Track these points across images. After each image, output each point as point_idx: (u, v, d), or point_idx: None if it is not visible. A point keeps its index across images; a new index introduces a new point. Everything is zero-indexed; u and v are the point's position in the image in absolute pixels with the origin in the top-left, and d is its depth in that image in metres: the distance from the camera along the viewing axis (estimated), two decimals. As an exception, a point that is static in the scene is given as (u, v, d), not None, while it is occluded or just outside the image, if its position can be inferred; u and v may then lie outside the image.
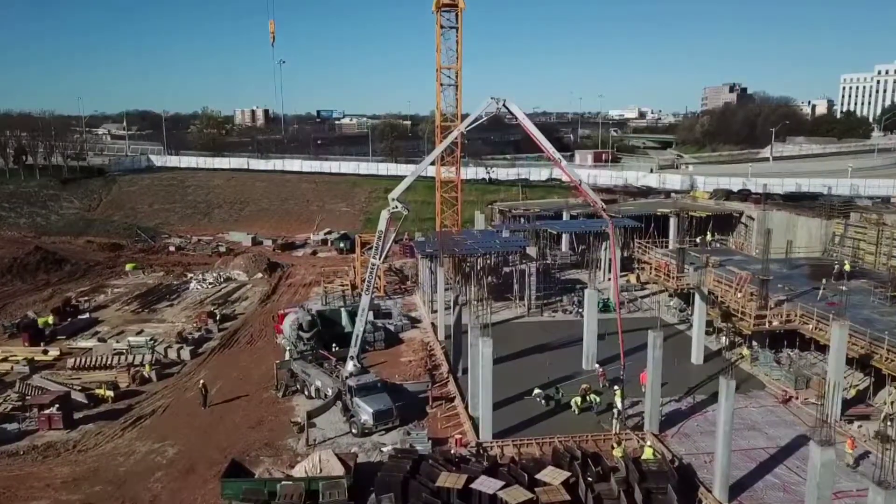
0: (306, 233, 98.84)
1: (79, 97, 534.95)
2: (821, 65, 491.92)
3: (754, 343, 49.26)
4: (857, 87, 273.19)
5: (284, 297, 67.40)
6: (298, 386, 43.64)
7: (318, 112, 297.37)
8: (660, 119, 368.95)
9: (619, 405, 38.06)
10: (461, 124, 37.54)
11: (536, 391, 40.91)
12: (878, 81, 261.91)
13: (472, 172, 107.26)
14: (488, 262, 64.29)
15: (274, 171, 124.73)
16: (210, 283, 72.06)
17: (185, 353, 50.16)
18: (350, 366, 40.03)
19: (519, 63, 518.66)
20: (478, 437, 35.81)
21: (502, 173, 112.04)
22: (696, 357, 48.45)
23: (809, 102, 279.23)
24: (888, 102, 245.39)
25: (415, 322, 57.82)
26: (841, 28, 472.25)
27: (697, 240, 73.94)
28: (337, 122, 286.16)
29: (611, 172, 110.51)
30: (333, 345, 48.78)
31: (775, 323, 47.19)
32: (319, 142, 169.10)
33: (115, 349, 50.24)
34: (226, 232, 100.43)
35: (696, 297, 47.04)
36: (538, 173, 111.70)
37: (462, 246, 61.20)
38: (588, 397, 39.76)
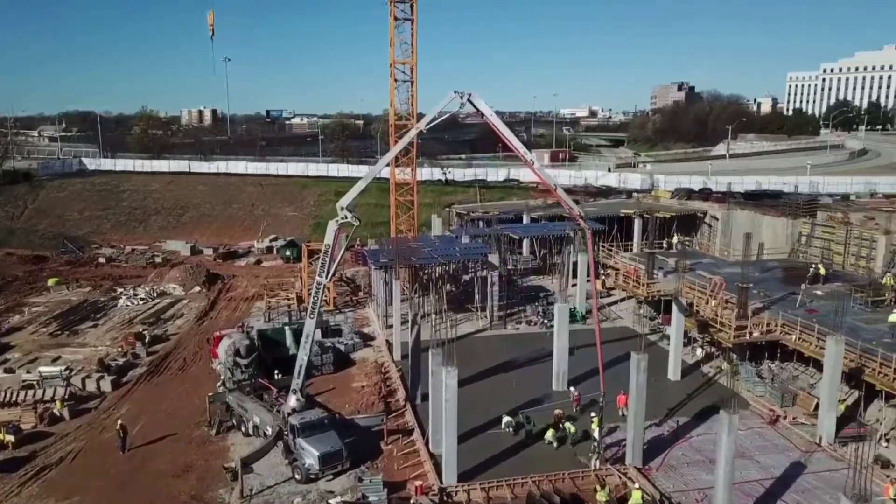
0: (250, 240, 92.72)
1: (11, 97, 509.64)
2: (768, 63, 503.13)
3: (733, 356, 45.95)
4: (803, 86, 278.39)
5: (224, 314, 61.66)
6: (235, 422, 38.43)
7: (268, 112, 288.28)
8: (610, 118, 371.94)
9: (596, 436, 34.01)
10: (420, 123, 33.00)
11: (505, 420, 36.53)
12: (824, 80, 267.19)
13: (427, 173, 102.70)
14: (447, 270, 59.86)
15: (217, 173, 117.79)
16: (142, 299, 65.75)
17: (106, 384, 44.24)
18: (293, 400, 34.98)
19: (471, 62, 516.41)
20: (440, 482, 31.25)
21: (458, 174, 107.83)
22: (674, 373, 44.90)
23: (755, 100, 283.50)
24: (833, 100, 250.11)
25: (368, 339, 52.95)
26: (787, 27, 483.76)
27: (664, 242, 70.83)
28: (287, 121, 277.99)
29: (570, 172, 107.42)
30: (276, 371, 43.59)
31: (756, 334, 43.98)
32: (264, 143, 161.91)
33: (24, 381, 44.00)
34: (163, 241, 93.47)
35: (674, 307, 43.46)
36: (495, 174, 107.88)
37: (419, 254, 56.59)
38: (562, 426, 35.58)
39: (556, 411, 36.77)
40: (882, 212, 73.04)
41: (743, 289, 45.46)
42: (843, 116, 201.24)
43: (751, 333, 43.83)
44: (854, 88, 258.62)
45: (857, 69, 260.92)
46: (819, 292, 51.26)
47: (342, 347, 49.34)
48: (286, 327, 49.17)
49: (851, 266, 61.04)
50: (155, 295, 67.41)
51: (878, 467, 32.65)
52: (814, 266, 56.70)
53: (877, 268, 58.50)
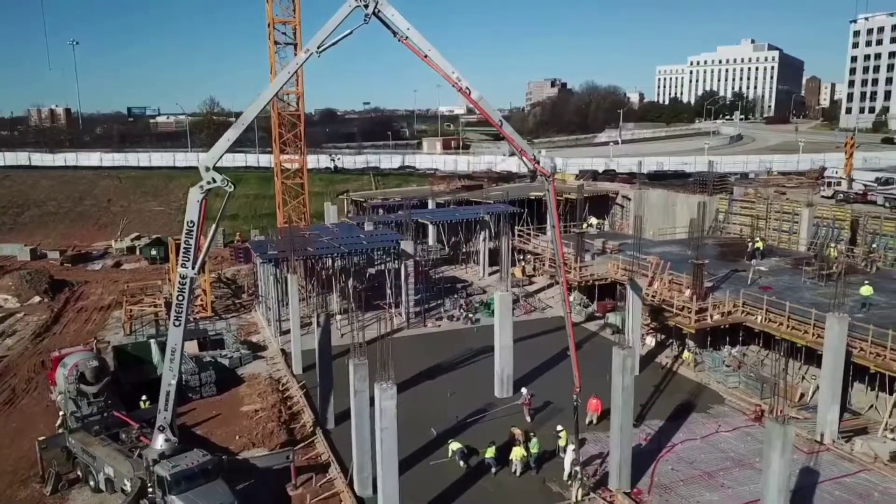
0: (107, 240, 78.82)
1: None
2: (639, 58, 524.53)
3: (690, 343, 40.41)
4: (672, 78, 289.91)
5: (71, 328, 49.41)
6: (79, 473, 27.96)
7: (129, 110, 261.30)
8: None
9: (568, 454, 26.71)
10: (311, 42, 23.77)
11: (453, 447, 28.34)
12: (691, 72, 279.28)
13: (313, 160, 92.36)
14: (350, 263, 50.83)
15: (65, 166, 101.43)
16: (-41, 316, 51.87)
17: None
18: (160, 441, 25.10)
19: (347, 62, 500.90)
20: (378, 540, 22.75)
21: (349, 161, 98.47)
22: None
23: (625, 95, 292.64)
24: (700, 91, 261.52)
25: (258, 350, 43.06)
26: (655, 24, 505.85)
27: (584, 224, 65.37)
28: (152, 120, 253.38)
29: (468, 158, 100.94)
30: (143, 398, 33.14)
31: (717, 317, 38.56)
32: (124, 141, 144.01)
33: None
34: (-4, 244, 77.58)
35: (629, 291, 37.08)
36: (389, 161, 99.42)
37: (318, 244, 47.29)
38: (530, 444, 27.86)
39: (514, 429, 29.08)
40: (786, 187, 72.27)
41: (698, 266, 40.04)
42: (714, 105, 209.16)
43: (711, 317, 38.40)
44: (718, 80, 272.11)
45: (719, 62, 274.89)
46: (763, 268, 47.14)
47: (226, 362, 39.26)
48: (152, 341, 38.51)
49: (773, 240, 58.22)
50: (-22, 309, 53.66)
51: (899, 466, 27.53)
52: (751, 241, 53.01)
53: (801, 240, 55.92)
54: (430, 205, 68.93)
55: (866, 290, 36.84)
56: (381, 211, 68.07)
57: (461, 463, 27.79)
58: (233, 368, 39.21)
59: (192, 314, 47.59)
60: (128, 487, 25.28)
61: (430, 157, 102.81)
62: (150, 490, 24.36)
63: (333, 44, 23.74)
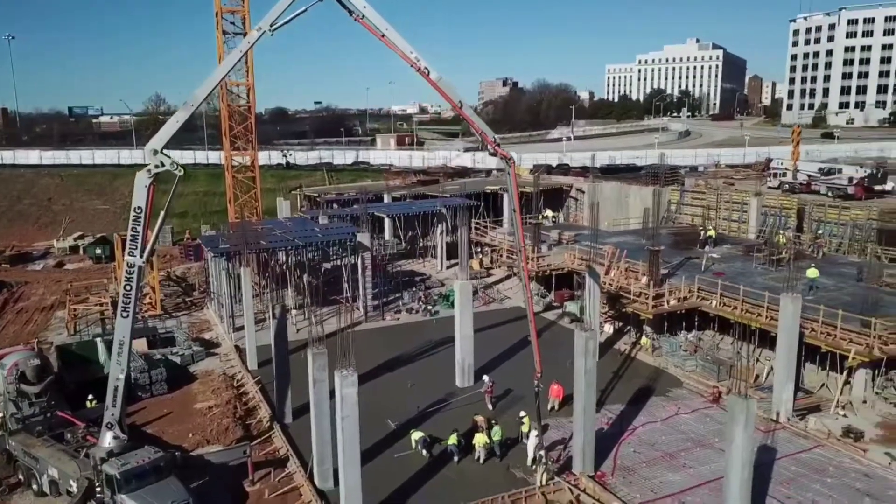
0: (48, 240, 75.70)
1: None
2: (589, 56, 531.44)
3: (647, 329, 40.80)
4: (622, 77, 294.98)
5: (10, 330, 47.11)
6: (22, 476, 26.54)
7: (70, 109, 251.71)
8: (440, 114, 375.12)
9: (531, 440, 26.52)
10: (264, 19, 22.82)
11: (415, 437, 27.85)
12: (640, 70, 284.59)
13: (265, 157, 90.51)
14: (304, 258, 49.80)
15: (2, 164, 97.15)
16: None
17: None
18: (108, 439, 23.94)
19: (298, 61, 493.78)
20: (341, 532, 22.12)
21: (301, 157, 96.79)
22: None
23: (576, 93, 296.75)
24: (649, 89, 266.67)
25: (211, 347, 41.76)
26: (605, 22, 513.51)
27: (540, 216, 65.61)
28: (94, 120, 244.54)
29: (423, 153, 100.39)
30: (90, 398, 31.68)
31: (673, 302, 39.02)
32: (66, 141, 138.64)
33: None
34: (-76, 247, 73.72)
35: (588, 278, 37.13)
36: (342, 157, 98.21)
37: (271, 238, 46.17)
38: (493, 431, 27.57)
39: (477, 417, 28.75)
40: (734, 179, 74.07)
41: (654, 252, 40.46)
42: (663, 102, 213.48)
43: (668, 302, 38.84)
44: (666, 78, 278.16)
45: (666, 60, 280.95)
46: (715, 255, 47.97)
47: (177, 359, 37.94)
48: (98, 339, 36.92)
49: (723, 229, 59.52)
50: None
51: (853, 440, 28.19)
52: (703, 229, 54.03)
53: (750, 228, 57.29)
54: (386, 199, 68.25)
55: (812, 273, 37.79)
56: (335, 205, 67.06)
57: (423, 452, 27.33)
58: (185, 366, 37.89)
59: (140, 312, 46.01)
60: (74, 489, 24.10)
61: (385, 153, 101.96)
62: (98, 490, 23.21)
63: (287, 22, 22.95)
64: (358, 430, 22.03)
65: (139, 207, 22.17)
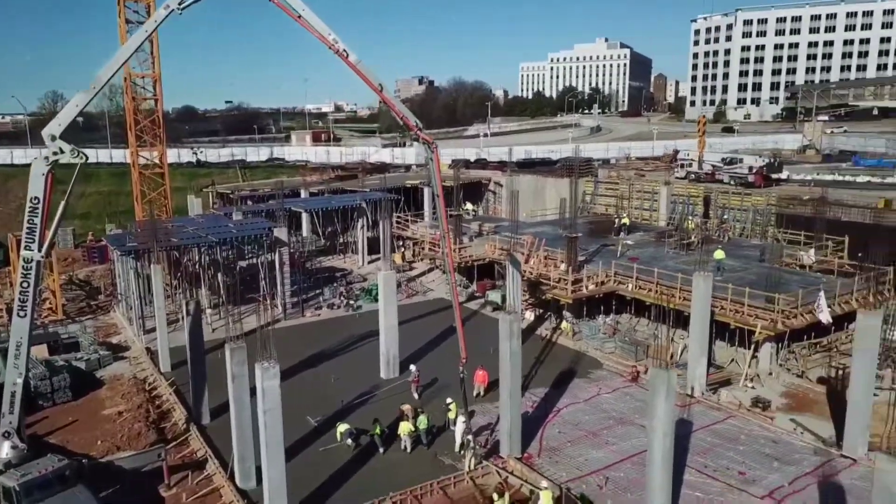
0: (-68, 246, 69.83)
1: None
2: (503, 55, 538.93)
3: (567, 314, 41.60)
4: (535, 75, 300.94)
5: None
6: None
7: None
8: (356, 112, 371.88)
9: (459, 426, 26.47)
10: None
11: (341, 429, 27.23)
12: (552, 68, 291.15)
13: (174, 155, 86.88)
14: (218, 256, 48.01)
15: None
16: None
17: None
18: (5, 449, 22.21)
19: (207, 60, 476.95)
20: (265, 530, 21.33)
21: (212, 155, 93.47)
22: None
23: (491, 91, 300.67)
24: (561, 87, 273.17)
25: (119, 351, 39.59)
26: (519, 21, 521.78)
27: (461, 209, 65.89)
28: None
29: (341, 149, 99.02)
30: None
31: (591, 287, 39.93)
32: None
33: None
34: None
35: (509, 266, 37.46)
36: (256, 153, 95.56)
37: (182, 235, 44.22)
38: (418, 420, 27.31)
39: (404, 406, 28.41)
40: (644, 170, 77.01)
41: (572, 239, 41.25)
42: (575, 99, 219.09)
43: (586, 287, 39.72)
44: (576, 76, 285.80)
45: (577, 58, 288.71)
46: (629, 241, 49.48)
47: (82, 364, 35.68)
48: (-8, 347, 34.23)
49: (635, 217, 61.56)
50: None
51: (761, 410, 29.60)
52: (618, 218, 55.67)
53: (661, 216, 59.51)
54: (304, 195, 66.84)
55: (719, 254, 39.56)
56: (249, 202, 65.05)
57: (349, 442, 26.80)
58: (91, 371, 35.71)
59: (39, 317, 43.18)
60: (-33, 505, 22.20)
61: (301, 149, 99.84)
62: (-5, 505, 21.49)
63: (196, 0, 21.88)
64: (281, 424, 21.32)
65: (36, 198, 20.67)
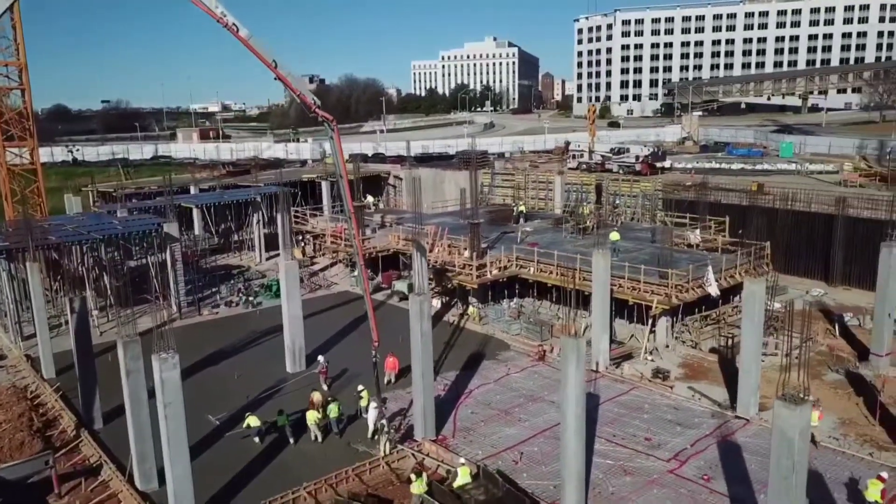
0: None
1: None
2: (394, 53, 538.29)
3: (473, 300, 41.98)
4: (427, 73, 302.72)
5: None
6: None
7: None
8: (245, 111, 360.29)
9: (373, 412, 26.08)
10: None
11: (252, 421, 26.09)
12: (443, 66, 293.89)
13: (46, 154, 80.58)
14: (103, 255, 44.92)
15: None
16: None
17: None
18: None
19: (78, 57, 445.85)
20: (172, 532, 20.08)
21: (90, 153, 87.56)
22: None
23: (384, 89, 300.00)
24: (453, 84, 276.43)
25: (-6, 360, 36.25)
26: (409, 20, 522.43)
27: (363, 200, 65.17)
28: None
29: (231, 146, 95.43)
30: None
31: (495, 272, 40.51)
32: None
33: None
34: None
35: (416, 253, 37.23)
36: (140, 151, 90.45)
37: (61, 233, 41.03)
38: (329, 409, 26.63)
39: (314, 395, 27.61)
40: (538, 162, 79.21)
41: (474, 225, 41.68)
42: (467, 96, 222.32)
43: (490, 272, 40.24)
44: (468, 74, 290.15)
45: (468, 57, 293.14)
46: (528, 228, 50.60)
47: (-50, 377, 32.38)
48: None
49: (532, 206, 63.21)
50: None
51: (661, 380, 31.01)
52: (515, 206, 56.84)
53: (556, 204, 61.42)
54: (193, 191, 63.83)
55: (614, 236, 41.18)
56: (135, 200, 61.41)
57: (256, 440, 25.77)
58: (-40, 383, 32.46)
59: None
60: None
61: (188, 146, 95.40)
62: None
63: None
64: (184, 418, 20.16)
65: None
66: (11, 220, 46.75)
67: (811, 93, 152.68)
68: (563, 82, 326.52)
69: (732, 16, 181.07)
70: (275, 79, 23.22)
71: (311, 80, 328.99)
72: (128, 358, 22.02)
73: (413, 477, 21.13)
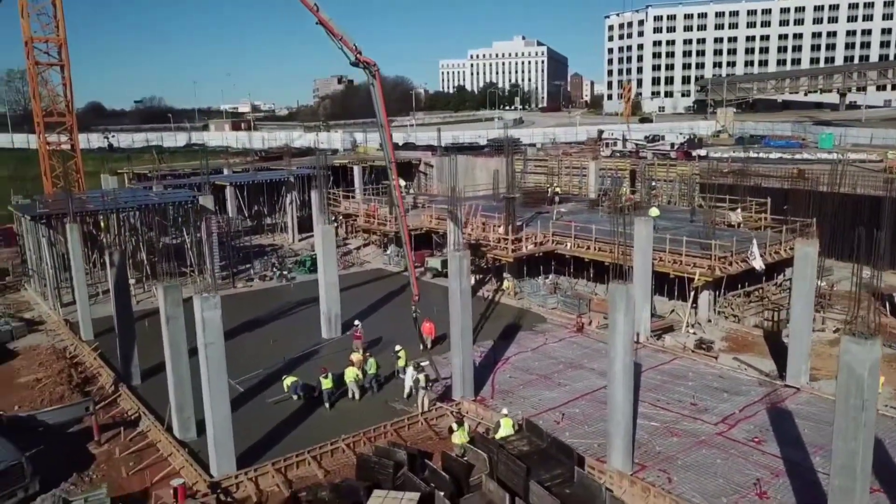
0: None
1: None
2: (422, 53, 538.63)
3: (507, 276, 41.46)
4: (455, 72, 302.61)
5: None
6: None
7: None
8: (274, 111, 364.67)
9: (411, 371, 25.68)
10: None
11: (287, 382, 25.84)
12: (472, 65, 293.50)
13: (83, 140, 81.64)
14: (140, 232, 45.25)
15: None
16: None
17: None
18: None
19: (115, 59, 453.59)
20: (210, 475, 19.86)
21: (125, 140, 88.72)
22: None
23: (412, 87, 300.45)
24: (481, 83, 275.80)
25: (34, 325, 36.57)
26: (437, 20, 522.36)
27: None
28: None
29: (263, 135, 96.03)
30: None
31: (531, 247, 39.95)
32: None
33: None
34: None
35: (450, 224, 36.98)
36: (174, 139, 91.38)
37: (99, 203, 41.37)
38: (367, 364, 26.36)
39: (354, 355, 27.30)
40: (570, 153, 78.49)
41: (510, 199, 41.17)
42: (497, 94, 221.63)
43: (526, 247, 39.70)
44: (496, 73, 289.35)
45: (496, 56, 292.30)
46: (563, 209, 49.95)
47: (-8, 337, 32.74)
48: None
49: (565, 190, 62.46)
50: None
51: (705, 350, 30.18)
52: (550, 188, 56.23)
53: (591, 189, 60.57)
54: (226, 172, 64.19)
55: (654, 212, 40.39)
56: (169, 178, 61.88)
57: (294, 397, 25.53)
58: (2, 344, 32.78)
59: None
60: None
61: (221, 135, 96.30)
62: None
63: None
64: (224, 360, 19.93)
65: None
66: (50, 193, 47.25)
67: (849, 90, 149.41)
68: (592, 83, 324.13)
69: (767, 11, 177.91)
70: (316, 23, 22.98)
71: (339, 81, 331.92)
72: (168, 303, 21.91)
73: (454, 426, 20.67)
